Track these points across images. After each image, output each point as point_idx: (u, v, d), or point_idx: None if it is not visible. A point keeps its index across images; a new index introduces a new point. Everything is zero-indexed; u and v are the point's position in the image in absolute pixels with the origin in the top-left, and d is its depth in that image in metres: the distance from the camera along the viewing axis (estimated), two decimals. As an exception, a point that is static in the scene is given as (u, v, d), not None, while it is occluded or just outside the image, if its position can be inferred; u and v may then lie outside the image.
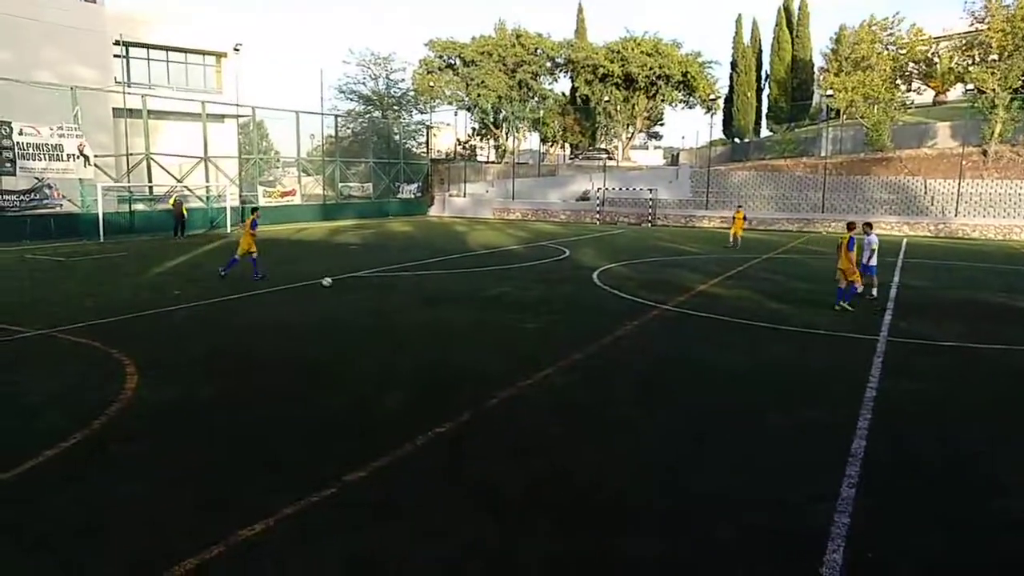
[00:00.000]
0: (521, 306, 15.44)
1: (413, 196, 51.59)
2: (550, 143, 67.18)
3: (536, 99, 63.45)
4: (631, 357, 11.31)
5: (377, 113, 59.95)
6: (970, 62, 46.28)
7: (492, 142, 67.76)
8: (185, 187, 35.17)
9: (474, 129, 66.44)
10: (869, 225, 16.01)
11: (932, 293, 18.36)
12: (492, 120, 63.26)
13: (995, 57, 43.82)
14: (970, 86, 48.04)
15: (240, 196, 38.52)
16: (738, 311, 15.09)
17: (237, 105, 39.60)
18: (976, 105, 45.69)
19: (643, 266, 23.18)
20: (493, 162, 63.66)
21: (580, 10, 69.43)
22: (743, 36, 66.58)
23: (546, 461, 7.07)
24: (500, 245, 29.72)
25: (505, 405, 8.68)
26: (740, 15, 69.22)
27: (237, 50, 41.96)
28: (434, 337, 12.44)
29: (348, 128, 53.84)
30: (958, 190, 41.63)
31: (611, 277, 20.14)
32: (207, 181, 36.68)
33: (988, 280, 21.12)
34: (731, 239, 30.36)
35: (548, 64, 63.72)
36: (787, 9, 65.20)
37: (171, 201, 32.44)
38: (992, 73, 43.36)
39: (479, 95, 59.63)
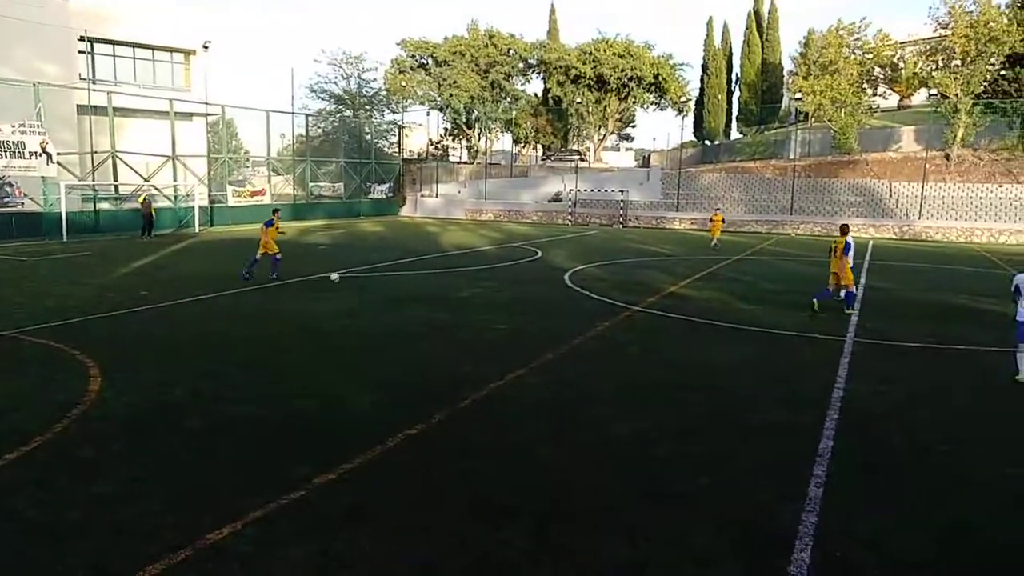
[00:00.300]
0: (493, 307, 15.42)
1: (384, 196, 51.33)
2: (522, 144, 67.31)
3: (508, 100, 63.50)
4: (603, 358, 11.35)
5: (348, 113, 59.59)
6: (934, 67, 47.21)
7: (464, 142, 67.69)
8: (152, 186, 34.62)
9: (446, 129, 66.33)
10: (846, 227, 16.24)
11: (897, 295, 18.68)
12: (464, 120, 63.18)
13: (958, 63, 44.73)
14: (934, 91, 48.98)
15: (209, 196, 38.05)
16: (708, 312, 15.22)
17: (206, 103, 39.10)
18: (939, 110, 46.63)
19: (615, 267, 23.29)
20: (465, 163, 63.58)
21: (552, 11, 69.79)
22: (714, 39, 67.29)
23: (519, 462, 7.06)
24: (472, 246, 29.67)
25: (477, 406, 8.65)
26: (711, 18, 70.31)
27: (206, 47, 41.40)
28: (405, 338, 12.38)
29: (319, 127, 53.44)
30: (922, 193, 42.46)
31: (583, 278, 20.20)
32: (175, 180, 36.16)
33: (951, 282, 21.54)
34: (714, 241, 30.58)
35: (520, 65, 63.81)
36: (757, 13, 66.06)
37: (140, 199, 31.88)
38: (955, 78, 44.27)
39: (451, 95, 59.54)
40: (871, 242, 35.68)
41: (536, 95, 67.87)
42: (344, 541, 5.38)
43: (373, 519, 5.75)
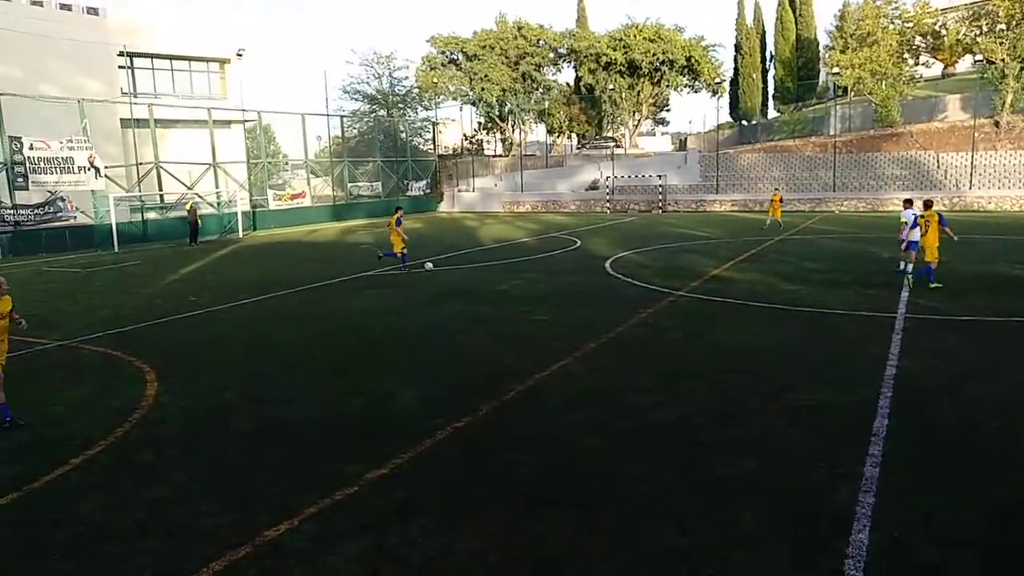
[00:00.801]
0: (534, 298, 15.43)
1: (422, 193, 51.66)
2: (556, 134, 66.97)
3: (540, 90, 63.26)
4: (647, 344, 11.29)
5: (382, 112, 60.03)
6: (978, 33, 45.61)
7: (499, 135, 67.67)
8: (196, 194, 35.37)
9: (480, 123, 66.38)
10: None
11: (950, 267, 18.11)
12: (497, 114, 63.15)
13: (1003, 27, 43.18)
14: (979, 57, 47.38)
15: (250, 200, 38.73)
16: (753, 294, 15.02)
17: (243, 110, 39.75)
18: (986, 76, 45.10)
19: (655, 253, 23.12)
20: (500, 155, 63.59)
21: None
22: (745, 17, 66.12)
23: (566, 451, 7.08)
24: (511, 238, 29.71)
25: (523, 397, 8.69)
26: (742, -4, 68.61)
27: (240, 55, 42.08)
28: (448, 333, 12.47)
29: (354, 128, 53.92)
30: (971, 162, 41.20)
31: (624, 265, 20.09)
32: (217, 187, 36.89)
33: (1005, 252, 20.90)
34: (768, 221, 30.18)
35: (551, 55, 63.48)
36: (789, -12, 64.64)
37: (187, 207, 32.57)
38: (1001, 43, 42.76)
39: (483, 89, 59.53)
40: (919, 216, 34.74)
41: (568, 84, 67.48)
42: (396, 535, 5.46)
43: (424, 512, 5.82)
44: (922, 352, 10.18)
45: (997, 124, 44.55)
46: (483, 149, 66.66)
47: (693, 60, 60.63)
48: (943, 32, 48.78)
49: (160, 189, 34.56)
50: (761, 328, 12.19)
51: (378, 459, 6.79)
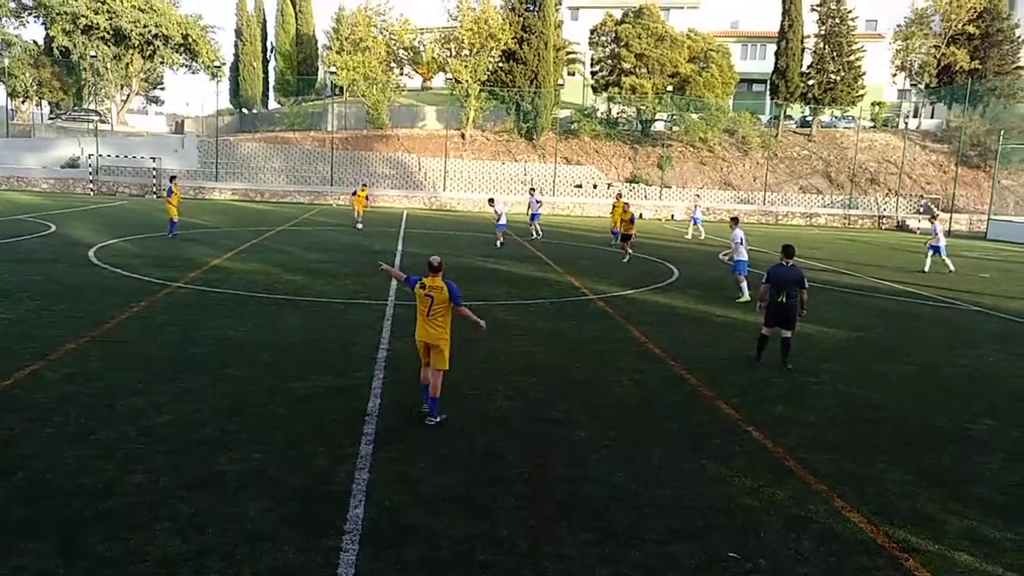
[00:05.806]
0: (-7, 294, 12.94)
1: None
2: (21, 99, 56.92)
3: (-2, 45, 53.03)
4: (140, 342, 10.35)
5: None
6: (449, 54, 52.60)
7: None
8: None
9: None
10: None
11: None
12: (-67, 65, 50.92)
13: (467, 52, 50.56)
14: (450, 76, 54.63)
15: None
16: (254, 285, 14.94)
17: None
18: (454, 93, 52.30)
19: (150, 241, 21.34)
20: (-62, 117, 51.47)
21: (54, -53, 59.90)
22: (247, 4, 65.28)
23: (43, 472, 6.11)
24: (-42, 221, 24.35)
25: (-21, 414, 7.22)
26: (243, -18, 67.48)
27: None
28: None
29: None
30: (444, 168, 47.36)
31: (112, 255, 18.11)
32: None
33: (471, 247, 24.56)
34: (355, 218, 29.05)
35: (11, 4, 53.62)
36: (288, -18, 65.76)
37: None
38: (465, 66, 50.00)
39: (-89, 30, 47.41)
40: (405, 212, 38.71)
41: (36, 43, 57.90)
42: None
43: None
44: (408, 335, 11.32)
45: (463, 136, 52.08)
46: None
47: (191, 39, 57.49)
48: (422, 49, 55.01)
49: None
50: (264, 319, 12.20)
51: None
